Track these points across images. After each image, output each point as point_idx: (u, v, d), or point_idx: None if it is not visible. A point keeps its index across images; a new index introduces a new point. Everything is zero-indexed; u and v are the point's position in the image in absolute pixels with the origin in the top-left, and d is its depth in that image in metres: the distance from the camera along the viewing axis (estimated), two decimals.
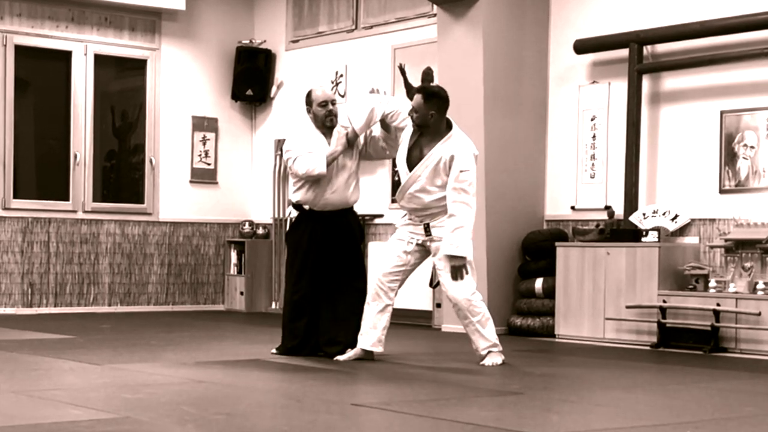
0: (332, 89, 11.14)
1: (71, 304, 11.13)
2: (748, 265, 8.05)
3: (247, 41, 12.08)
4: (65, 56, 11.17)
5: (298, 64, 11.76)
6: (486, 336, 6.71)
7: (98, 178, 11.37)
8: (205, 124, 11.99)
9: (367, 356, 6.86)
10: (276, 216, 11.79)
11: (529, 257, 9.32)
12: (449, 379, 6.10)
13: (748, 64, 8.28)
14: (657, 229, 8.41)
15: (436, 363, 7.01)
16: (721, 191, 8.43)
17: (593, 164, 9.26)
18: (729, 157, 8.40)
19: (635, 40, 8.80)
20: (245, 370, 6.36)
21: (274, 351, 7.22)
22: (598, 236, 8.77)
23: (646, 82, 8.88)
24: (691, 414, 5.05)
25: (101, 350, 7.33)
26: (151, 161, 11.60)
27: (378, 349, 6.86)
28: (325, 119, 7.05)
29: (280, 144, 11.27)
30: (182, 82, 11.83)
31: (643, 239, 8.42)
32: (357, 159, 7.14)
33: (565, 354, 7.80)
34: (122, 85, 11.75)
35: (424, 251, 6.83)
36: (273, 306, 11.63)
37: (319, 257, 7.06)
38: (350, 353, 6.87)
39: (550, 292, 9.01)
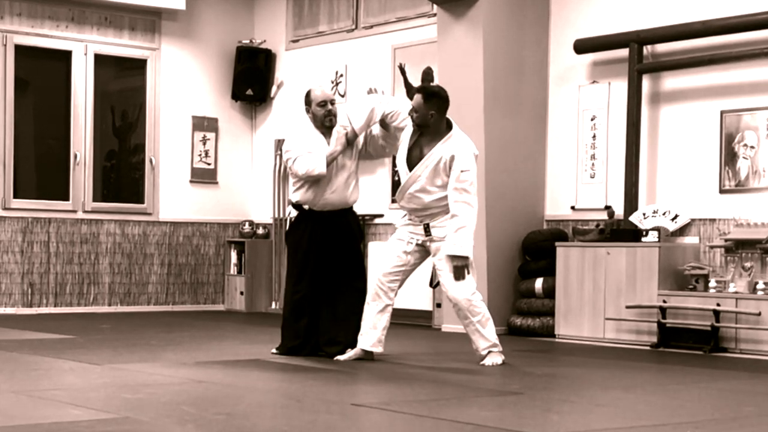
0: (332, 89, 11.14)
1: (71, 304, 11.13)
2: (748, 265, 8.05)
3: (248, 41, 12.08)
4: (65, 56, 11.17)
5: (299, 63, 11.76)
6: (486, 336, 6.72)
7: (98, 178, 11.37)
8: (205, 124, 11.99)
9: (367, 356, 6.86)
10: (276, 216, 11.78)
11: (529, 257, 9.32)
12: (449, 379, 6.10)
13: (749, 64, 8.28)
14: (657, 229, 8.41)
15: (436, 363, 7.01)
16: (721, 191, 8.43)
17: (593, 164, 9.26)
18: (729, 156, 8.40)
19: (635, 40, 8.80)
20: (245, 370, 6.36)
21: (274, 351, 7.22)
22: (598, 236, 8.77)
23: (646, 82, 8.88)
24: (691, 414, 5.05)
25: (101, 350, 7.33)
26: (151, 161, 11.60)
27: (378, 349, 6.86)
28: (324, 119, 7.04)
29: (280, 144, 11.26)
30: (182, 82, 11.83)
31: (643, 239, 8.42)
32: (356, 159, 7.14)
33: (565, 354, 7.80)
34: (122, 84, 11.74)
35: (424, 251, 6.83)
36: (273, 306, 11.63)
37: (319, 257, 7.06)
38: (350, 353, 6.87)
39: (550, 292, 9.01)
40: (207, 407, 4.87)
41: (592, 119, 9.29)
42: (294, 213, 7.19)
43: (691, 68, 8.60)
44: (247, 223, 11.96)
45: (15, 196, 10.84)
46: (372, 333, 6.83)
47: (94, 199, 11.26)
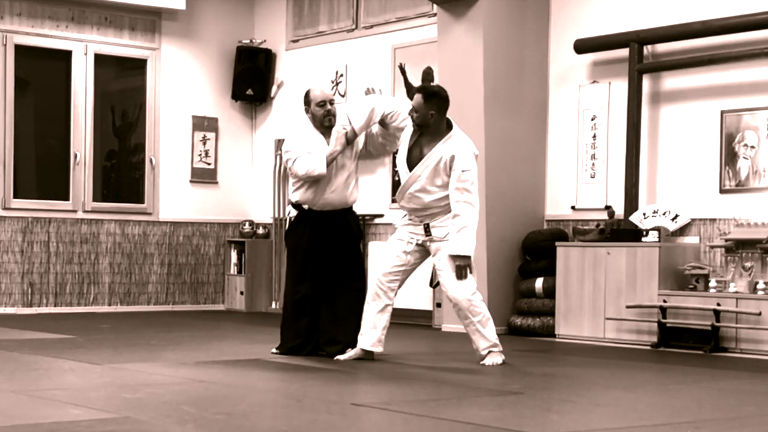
0: (332, 89, 11.14)
1: (71, 303, 11.13)
2: (748, 264, 8.05)
3: (248, 41, 12.08)
4: (65, 56, 11.17)
5: (299, 63, 11.76)
6: (486, 336, 6.71)
7: (98, 177, 11.37)
8: (205, 124, 11.99)
9: (367, 356, 6.85)
10: (276, 216, 11.78)
11: (530, 257, 9.32)
12: (449, 379, 6.10)
13: (749, 64, 8.28)
14: (657, 228, 8.41)
15: (437, 363, 7.01)
16: (722, 191, 8.43)
17: (593, 164, 9.26)
18: (729, 156, 8.40)
19: (635, 40, 8.80)
20: (245, 370, 6.36)
21: (274, 351, 7.22)
22: (598, 236, 8.77)
23: (646, 82, 8.88)
24: (691, 414, 5.05)
25: (101, 350, 7.33)
26: (151, 161, 11.60)
27: (378, 349, 6.86)
28: (323, 119, 7.04)
29: (280, 144, 11.26)
30: (182, 82, 11.83)
31: (644, 239, 8.42)
32: (356, 159, 7.13)
33: (566, 354, 7.80)
34: (122, 84, 11.74)
35: (423, 251, 6.83)
36: (273, 306, 11.63)
37: (319, 257, 7.06)
38: (350, 353, 6.87)
39: (550, 292, 9.00)
40: (207, 407, 4.87)
41: (592, 119, 9.29)
42: (294, 213, 7.19)
43: (692, 68, 8.60)
44: (247, 223, 11.96)
45: (15, 196, 10.84)
46: (372, 333, 6.83)
47: (94, 199, 11.26)
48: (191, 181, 11.88)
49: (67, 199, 11.13)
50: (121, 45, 11.44)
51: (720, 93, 8.50)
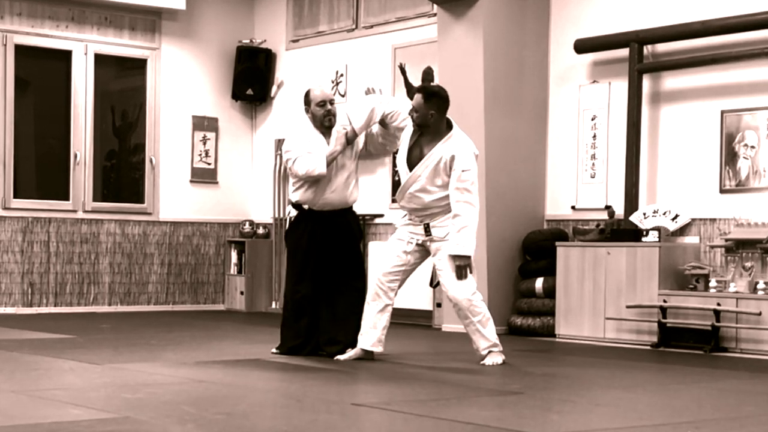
0: (332, 89, 11.14)
1: (71, 303, 11.13)
2: (748, 264, 8.05)
3: (248, 41, 12.07)
4: (65, 56, 11.17)
5: (299, 63, 11.76)
6: (486, 336, 6.71)
7: (98, 177, 11.37)
8: (205, 124, 11.99)
9: (367, 356, 6.85)
10: (276, 216, 11.78)
11: (530, 257, 9.32)
12: (449, 379, 6.10)
13: (749, 64, 8.28)
14: (657, 228, 8.41)
15: (437, 363, 7.01)
16: (722, 191, 8.43)
17: (594, 164, 9.26)
18: (729, 156, 8.40)
19: (635, 40, 8.79)
20: (245, 370, 6.36)
21: (274, 351, 7.22)
22: (598, 236, 8.77)
23: (646, 82, 8.88)
24: (691, 414, 5.05)
25: (101, 350, 7.33)
26: (151, 161, 11.60)
27: (378, 348, 6.85)
28: (323, 119, 7.03)
29: (280, 143, 11.26)
30: (182, 82, 11.83)
31: (644, 239, 8.42)
32: (356, 159, 7.13)
33: (566, 354, 7.80)
34: (122, 84, 11.74)
35: (424, 251, 6.83)
36: (273, 306, 11.62)
37: (319, 257, 7.06)
38: (350, 353, 6.87)
39: (550, 292, 9.00)
40: (207, 407, 4.87)
41: (592, 119, 9.29)
42: (294, 213, 7.19)
43: (692, 68, 8.60)
44: (247, 223, 11.96)
45: (15, 196, 10.84)
46: (372, 333, 6.83)
47: (94, 199, 11.26)
48: (191, 181, 11.88)
49: (67, 199, 11.13)
50: (121, 45, 11.44)
51: (720, 93, 8.50)
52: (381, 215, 10.69)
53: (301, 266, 7.11)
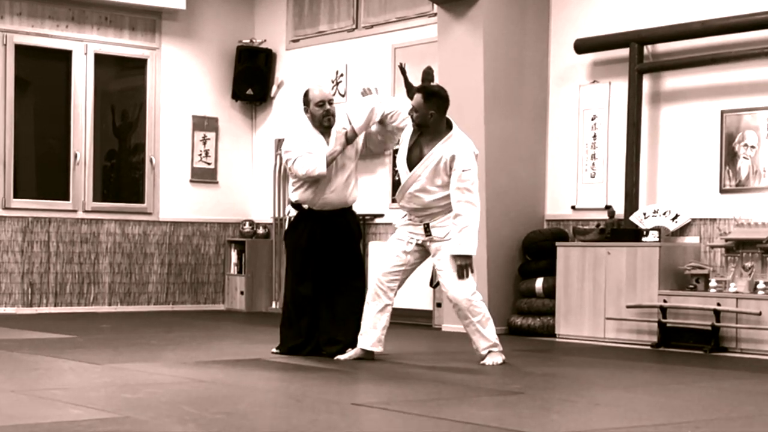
0: (332, 89, 11.14)
1: (71, 303, 11.12)
2: (748, 264, 8.04)
3: (248, 41, 12.07)
4: (65, 56, 11.17)
5: (299, 63, 11.76)
6: (486, 336, 6.71)
7: (98, 177, 11.37)
8: (205, 124, 11.99)
9: (367, 356, 6.85)
10: (276, 215, 11.78)
11: (530, 257, 9.32)
12: (449, 379, 6.10)
13: (749, 64, 8.28)
14: (657, 228, 8.41)
15: (437, 363, 7.01)
16: (722, 191, 8.43)
17: (594, 164, 9.26)
18: (729, 156, 8.40)
19: (636, 40, 8.79)
20: (245, 370, 6.36)
21: (274, 350, 7.22)
22: (598, 236, 8.77)
23: (646, 82, 8.88)
24: (692, 414, 5.05)
25: (101, 350, 7.33)
26: (151, 161, 11.60)
27: (378, 348, 6.85)
28: (322, 119, 7.03)
29: (280, 143, 11.25)
30: (182, 82, 11.83)
31: (644, 239, 8.42)
32: (356, 159, 7.13)
33: (566, 354, 7.80)
34: (122, 84, 11.74)
35: (423, 251, 6.83)
36: (273, 306, 11.62)
37: (319, 257, 7.06)
38: (350, 353, 6.87)
39: (550, 292, 9.00)
40: (207, 407, 4.87)
41: (592, 119, 9.29)
42: (293, 212, 7.19)
43: (692, 68, 8.60)
44: (247, 223, 11.96)
45: (15, 196, 10.84)
46: (372, 332, 6.83)
47: (95, 199, 11.26)
48: (191, 181, 11.88)
49: (67, 198, 11.13)
50: (121, 45, 11.44)
51: (720, 93, 8.50)
52: (381, 215, 10.69)
53: (301, 266, 7.11)
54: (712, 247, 8.36)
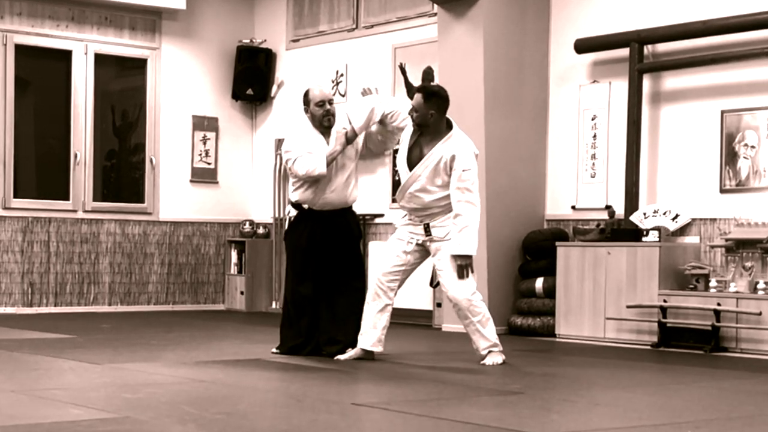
0: (333, 88, 11.14)
1: (71, 303, 11.12)
2: (748, 264, 8.04)
3: (248, 40, 12.07)
4: (65, 55, 11.17)
5: (299, 63, 11.76)
6: (486, 336, 6.71)
7: (98, 177, 11.37)
8: (205, 124, 11.99)
9: (367, 356, 6.85)
10: (276, 215, 11.78)
11: (530, 257, 9.32)
12: (450, 379, 6.10)
13: (749, 64, 8.28)
14: (658, 228, 8.41)
15: (437, 362, 7.01)
16: (722, 191, 8.42)
17: (594, 164, 9.26)
18: (730, 156, 8.40)
19: (636, 40, 8.79)
20: (245, 370, 6.36)
21: (274, 350, 7.22)
22: (598, 236, 8.76)
23: (646, 82, 8.88)
24: (692, 414, 5.05)
25: (101, 350, 7.33)
26: (151, 161, 11.60)
27: (378, 348, 6.85)
28: (322, 119, 7.03)
29: (280, 143, 11.25)
30: (183, 82, 11.83)
31: (644, 239, 8.42)
32: (356, 159, 7.13)
33: (566, 354, 7.80)
34: (122, 84, 11.74)
35: (423, 251, 6.83)
36: (273, 305, 11.62)
37: (319, 257, 7.06)
38: (350, 353, 6.87)
39: (550, 292, 9.00)
40: (207, 407, 4.86)
41: (592, 119, 9.29)
42: (293, 212, 7.19)
43: (692, 68, 8.60)
44: (247, 223, 11.96)
45: (15, 196, 10.84)
46: (372, 332, 6.83)
47: (95, 199, 11.26)
48: (191, 181, 11.88)
49: (67, 198, 11.13)
50: (122, 45, 11.44)
51: (720, 93, 8.50)
52: (381, 215, 10.69)
53: (301, 266, 7.10)
54: (713, 247, 8.36)
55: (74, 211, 11.14)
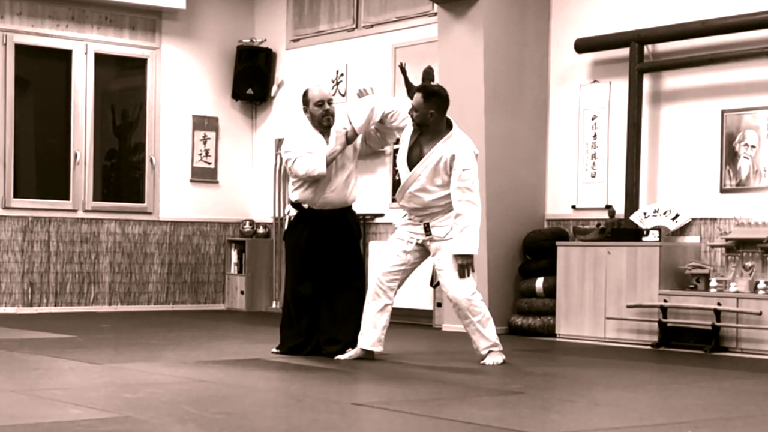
0: (333, 88, 11.14)
1: (71, 303, 11.12)
2: (748, 264, 8.04)
3: (248, 40, 12.07)
4: (65, 55, 11.17)
5: (299, 63, 11.76)
6: (486, 336, 6.71)
7: (98, 177, 11.37)
8: (205, 123, 11.99)
9: (368, 356, 6.85)
10: (276, 215, 11.78)
11: (530, 256, 9.32)
12: (450, 379, 6.10)
13: (749, 64, 8.27)
14: (658, 228, 8.41)
15: (437, 362, 7.01)
16: (722, 190, 8.42)
17: (594, 163, 9.26)
18: (730, 156, 8.39)
19: (636, 40, 8.79)
20: (246, 370, 6.36)
21: (274, 350, 7.21)
22: (598, 236, 8.76)
23: (646, 82, 8.88)
24: (692, 414, 5.05)
25: (101, 349, 7.33)
26: (151, 160, 11.60)
27: (378, 348, 6.85)
28: (321, 119, 7.02)
29: (280, 143, 11.24)
30: (183, 81, 11.83)
31: (644, 239, 8.42)
32: (356, 158, 7.13)
33: (566, 353, 7.80)
34: (123, 84, 11.74)
35: (423, 251, 6.83)
36: (273, 305, 11.62)
37: (319, 256, 7.06)
38: (350, 353, 6.87)
39: (550, 292, 9.00)
40: (207, 406, 4.86)
41: (592, 119, 9.29)
42: (293, 212, 7.19)
43: (692, 68, 8.59)
44: (247, 223, 11.96)
45: (15, 196, 10.84)
46: (372, 332, 6.83)
47: (95, 199, 11.26)
48: (191, 181, 11.88)
49: (67, 198, 11.12)
50: (122, 44, 11.44)
51: (720, 92, 8.50)
52: (381, 215, 10.69)
53: (301, 266, 7.10)
54: (713, 246, 8.36)
55: (74, 210, 11.14)
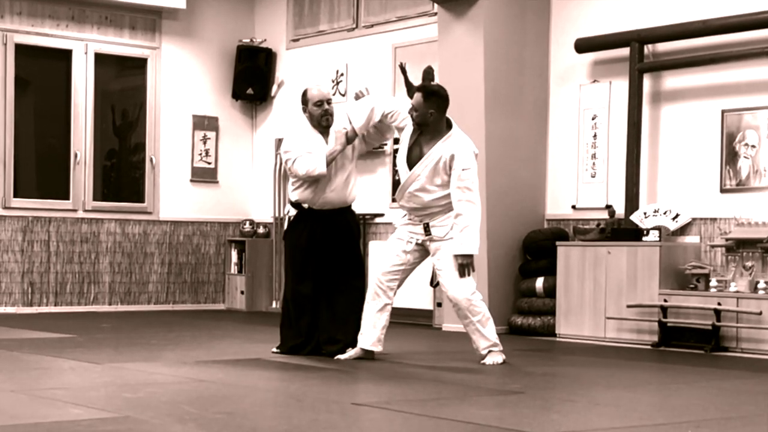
0: (333, 88, 11.14)
1: (71, 303, 11.12)
2: (749, 264, 8.04)
3: (248, 40, 12.07)
4: (65, 55, 11.17)
5: (299, 62, 11.76)
6: (486, 335, 6.71)
7: (98, 177, 11.37)
8: (205, 123, 11.99)
9: (367, 356, 6.85)
10: (276, 215, 11.78)
11: (530, 256, 9.32)
12: (450, 379, 6.10)
13: (749, 63, 8.27)
14: (658, 228, 8.41)
15: (437, 362, 7.01)
16: (722, 190, 8.42)
17: (594, 163, 9.26)
18: (730, 156, 8.39)
19: (636, 39, 8.79)
20: (246, 370, 6.36)
21: (274, 350, 7.21)
22: (599, 235, 8.76)
23: (647, 81, 8.88)
24: (692, 414, 5.05)
25: (102, 349, 7.33)
26: (151, 160, 11.60)
27: (378, 348, 6.85)
28: (321, 118, 7.02)
29: (280, 143, 11.22)
30: (183, 81, 11.83)
31: (644, 238, 8.42)
32: (355, 158, 7.13)
33: (566, 353, 7.80)
34: (123, 83, 11.74)
35: (423, 251, 6.83)
36: (273, 305, 11.62)
37: (319, 256, 7.06)
38: (350, 352, 6.87)
39: (550, 292, 9.00)
40: (207, 406, 4.86)
41: (593, 118, 9.29)
42: (293, 212, 7.19)
43: (692, 67, 8.59)
44: (247, 222, 11.96)
45: (15, 195, 10.84)
46: (371, 332, 6.83)
47: (95, 198, 11.26)
48: (191, 181, 11.88)
49: (67, 198, 11.12)
50: (122, 44, 11.44)
51: (720, 92, 8.49)
52: (381, 215, 10.69)
53: (301, 265, 7.10)
54: (713, 246, 8.36)
55: (74, 210, 11.14)
